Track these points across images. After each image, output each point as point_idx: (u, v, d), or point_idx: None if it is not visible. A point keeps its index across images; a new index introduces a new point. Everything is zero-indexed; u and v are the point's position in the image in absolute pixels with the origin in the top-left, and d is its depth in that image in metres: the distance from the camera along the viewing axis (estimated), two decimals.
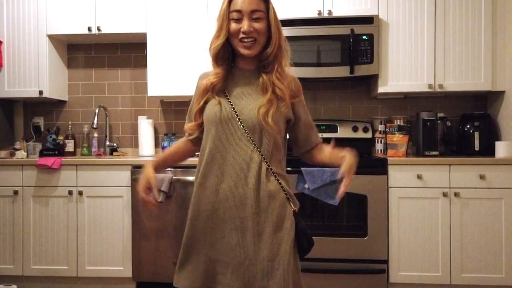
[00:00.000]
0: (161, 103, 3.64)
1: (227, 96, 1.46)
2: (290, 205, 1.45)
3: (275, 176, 1.43)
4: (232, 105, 1.44)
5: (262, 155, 1.42)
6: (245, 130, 1.41)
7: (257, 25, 1.40)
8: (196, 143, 1.58)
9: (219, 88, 1.47)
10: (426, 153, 3.12)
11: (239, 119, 1.42)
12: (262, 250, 1.39)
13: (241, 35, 1.40)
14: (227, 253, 1.43)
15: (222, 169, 1.43)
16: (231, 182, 1.42)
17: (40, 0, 3.31)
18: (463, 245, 2.80)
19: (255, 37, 1.41)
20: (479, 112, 3.27)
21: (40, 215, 3.05)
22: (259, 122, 1.39)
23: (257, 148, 1.41)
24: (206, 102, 1.48)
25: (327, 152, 1.52)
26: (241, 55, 1.46)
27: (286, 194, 1.45)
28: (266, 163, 1.42)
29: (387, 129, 3.19)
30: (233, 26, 1.41)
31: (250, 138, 1.41)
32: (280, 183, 1.44)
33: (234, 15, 1.40)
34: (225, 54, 1.46)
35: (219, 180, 1.43)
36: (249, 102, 1.43)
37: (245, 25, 1.39)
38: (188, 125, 1.56)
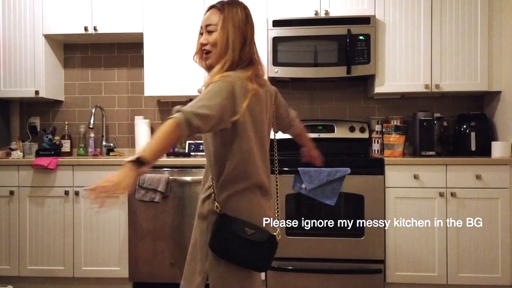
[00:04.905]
0: (158, 103, 3.64)
1: None
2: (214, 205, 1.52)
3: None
4: None
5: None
6: None
7: (209, 37, 1.49)
8: None
9: None
10: (423, 153, 3.13)
11: None
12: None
13: (201, 47, 1.52)
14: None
15: None
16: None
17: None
18: (459, 245, 2.81)
19: (209, 49, 1.50)
20: (475, 112, 3.28)
21: (36, 215, 3.03)
22: None
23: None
24: None
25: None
26: None
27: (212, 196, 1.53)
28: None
29: (384, 129, 3.20)
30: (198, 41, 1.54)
31: None
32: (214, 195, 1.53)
33: (200, 30, 1.55)
34: None
35: None
36: None
37: (201, 38, 1.51)
38: None
